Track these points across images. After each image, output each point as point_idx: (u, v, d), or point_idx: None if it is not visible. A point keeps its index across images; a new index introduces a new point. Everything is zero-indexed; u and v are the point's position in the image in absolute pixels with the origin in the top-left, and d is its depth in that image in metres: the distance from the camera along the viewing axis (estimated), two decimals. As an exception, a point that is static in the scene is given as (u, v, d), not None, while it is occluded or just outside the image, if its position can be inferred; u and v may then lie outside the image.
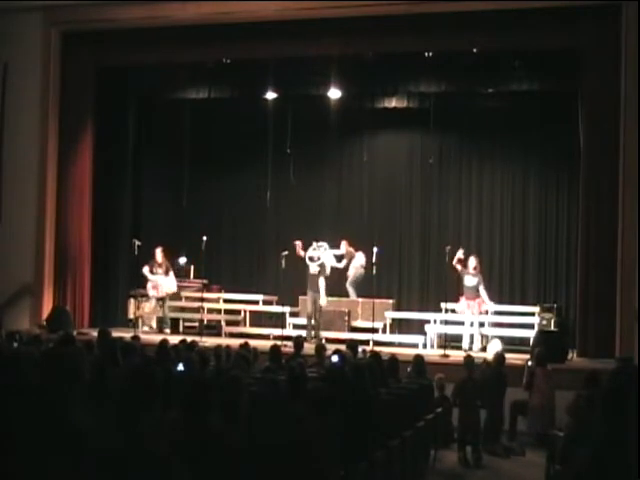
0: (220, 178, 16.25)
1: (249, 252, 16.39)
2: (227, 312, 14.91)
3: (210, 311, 14.71)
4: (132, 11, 13.32)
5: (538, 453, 8.40)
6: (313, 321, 13.10)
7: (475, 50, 12.62)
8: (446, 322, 13.04)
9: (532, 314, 13.62)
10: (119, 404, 3.58)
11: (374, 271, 12.98)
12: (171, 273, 14.15)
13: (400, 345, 13.04)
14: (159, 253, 14.07)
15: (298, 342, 9.69)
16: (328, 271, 13.35)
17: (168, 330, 13.74)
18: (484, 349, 12.42)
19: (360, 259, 14.40)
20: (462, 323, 12.89)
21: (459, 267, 12.79)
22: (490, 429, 9.02)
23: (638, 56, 11.34)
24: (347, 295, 14.64)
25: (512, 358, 11.17)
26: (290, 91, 14.57)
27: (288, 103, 14.92)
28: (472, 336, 12.74)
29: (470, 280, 12.76)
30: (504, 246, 15.15)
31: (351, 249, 14.56)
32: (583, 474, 3.26)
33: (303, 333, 12.46)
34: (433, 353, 12.00)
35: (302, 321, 13.78)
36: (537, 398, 9.31)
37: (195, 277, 15.47)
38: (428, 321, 13.42)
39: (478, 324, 12.83)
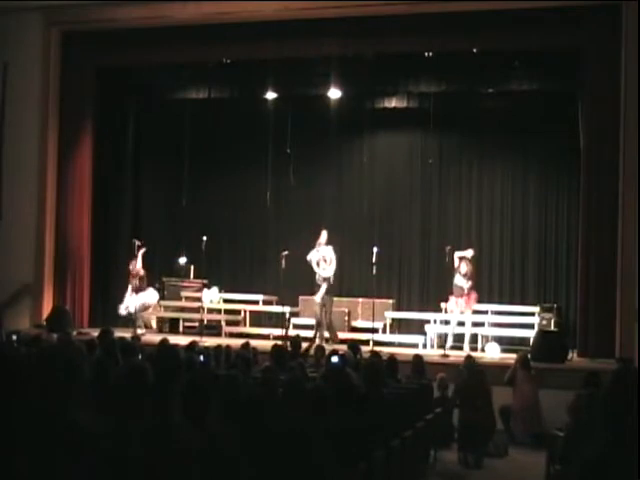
0: (220, 178, 16.22)
1: (249, 252, 16.37)
2: (227, 312, 14.91)
3: (210, 311, 14.71)
4: (132, 11, 13.33)
5: (538, 453, 8.39)
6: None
7: (475, 50, 12.62)
8: (446, 322, 13.03)
9: (532, 314, 13.62)
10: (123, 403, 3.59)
11: (374, 271, 12.96)
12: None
13: (400, 345, 13.05)
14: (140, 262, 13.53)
15: (296, 342, 9.68)
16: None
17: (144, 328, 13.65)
18: (482, 350, 12.44)
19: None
20: (448, 322, 12.83)
21: (456, 263, 12.74)
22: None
23: (638, 56, 11.34)
24: (348, 295, 14.63)
25: (512, 358, 11.16)
26: (290, 91, 14.58)
27: (288, 103, 14.90)
28: (463, 335, 12.65)
29: (459, 280, 12.70)
30: (504, 246, 15.13)
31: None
32: (583, 474, 3.26)
33: (302, 333, 12.40)
34: (433, 353, 12.01)
35: (302, 321, 13.77)
36: (518, 399, 9.31)
37: (195, 277, 15.46)
38: (428, 321, 13.43)
39: (470, 323, 12.72)
